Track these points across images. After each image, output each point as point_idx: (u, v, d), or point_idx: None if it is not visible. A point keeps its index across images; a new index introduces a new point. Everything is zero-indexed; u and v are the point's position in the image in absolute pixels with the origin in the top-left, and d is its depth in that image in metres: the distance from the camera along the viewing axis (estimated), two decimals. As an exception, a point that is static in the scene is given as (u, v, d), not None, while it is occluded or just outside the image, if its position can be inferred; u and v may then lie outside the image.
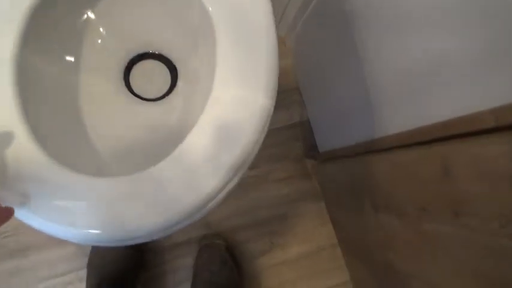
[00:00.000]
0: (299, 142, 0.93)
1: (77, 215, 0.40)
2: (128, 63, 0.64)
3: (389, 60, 0.53)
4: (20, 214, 0.41)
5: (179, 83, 0.65)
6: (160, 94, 0.65)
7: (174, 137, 0.58)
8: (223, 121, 0.43)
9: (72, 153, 0.48)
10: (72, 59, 0.57)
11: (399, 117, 0.52)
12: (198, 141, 0.42)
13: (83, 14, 0.56)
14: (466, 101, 0.38)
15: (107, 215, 0.40)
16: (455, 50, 0.38)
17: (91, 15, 0.57)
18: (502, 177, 0.33)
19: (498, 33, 0.33)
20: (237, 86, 0.44)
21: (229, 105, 0.43)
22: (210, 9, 0.46)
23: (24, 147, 0.42)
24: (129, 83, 0.64)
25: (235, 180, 0.44)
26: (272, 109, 0.47)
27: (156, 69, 0.65)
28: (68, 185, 0.41)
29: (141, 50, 0.64)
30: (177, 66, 0.65)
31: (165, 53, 0.65)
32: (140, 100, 0.64)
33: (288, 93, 0.96)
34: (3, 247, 0.77)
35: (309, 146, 0.92)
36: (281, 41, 0.99)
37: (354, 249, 0.78)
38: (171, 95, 0.65)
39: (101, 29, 0.59)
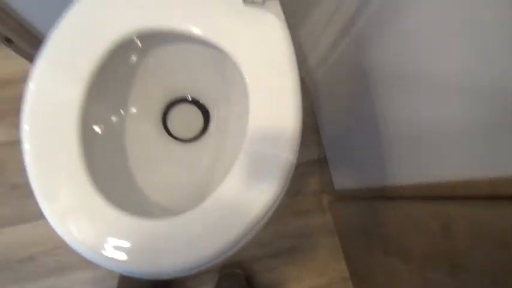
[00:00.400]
0: (316, 178, 0.99)
1: (119, 250, 0.47)
2: (167, 107, 0.72)
3: (400, 117, 0.59)
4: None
5: (211, 126, 0.72)
6: (194, 135, 0.72)
7: (207, 178, 0.66)
8: (253, 173, 0.49)
9: (120, 193, 0.56)
10: (124, 108, 0.65)
11: (408, 170, 0.58)
12: (230, 191, 0.49)
13: (137, 69, 0.64)
14: (467, 166, 0.44)
15: (145, 253, 0.47)
16: (455, 119, 0.44)
17: (143, 69, 0.65)
18: (494, 241, 0.39)
19: (493, 111, 0.39)
20: (266, 142, 0.50)
21: (259, 159, 0.50)
22: (243, 67, 0.53)
23: (81, 186, 0.49)
24: (166, 125, 0.72)
25: (261, 225, 0.50)
26: (295, 162, 0.54)
27: (190, 113, 0.73)
28: (115, 223, 0.48)
29: (179, 96, 0.72)
30: (209, 111, 0.73)
31: (200, 98, 0.73)
32: (176, 141, 0.71)
33: (306, 132, 1.03)
34: (43, 265, 0.85)
35: (325, 182, 0.98)
36: (301, 81, 1.06)
37: (364, 285, 0.83)
38: (203, 137, 0.72)
39: (150, 81, 0.67)
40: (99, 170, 0.53)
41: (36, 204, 0.93)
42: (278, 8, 0.57)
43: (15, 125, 0.92)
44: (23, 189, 0.92)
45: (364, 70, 0.68)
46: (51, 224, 0.49)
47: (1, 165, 0.93)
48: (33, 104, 0.52)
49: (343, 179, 0.90)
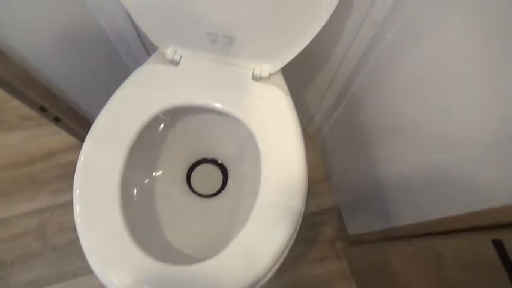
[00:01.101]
0: (329, 226, 1.05)
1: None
2: (190, 168, 0.83)
3: (393, 166, 0.67)
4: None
5: (229, 183, 0.82)
6: (215, 191, 0.82)
7: (226, 228, 0.74)
8: (266, 223, 0.58)
9: (153, 244, 0.64)
10: (155, 171, 0.76)
11: (406, 212, 0.65)
12: (246, 240, 0.57)
13: (165, 138, 0.76)
14: (451, 205, 0.52)
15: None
16: (440, 166, 0.53)
17: (170, 138, 0.76)
18: (474, 267, 0.45)
19: (466, 160, 0.47)
20: (277, 195, 0.59)
21: (271, 210, 0.58)
22: (255, 132, 0.63)
23: (121, 241, 0.58)
24: (190, 183, 0.82)
25: (274, 270, 0.58)
26: (303, 210, 0.62)
27: (211, 172, 0.83)
28: (150, 270, 0.56)
29: (201, 157, 0.83)
30: (228, 169, 0.83)
31: (219, 158, 0.83)
32: (199, 197, 0.81)
33: (317, 184, 1.11)
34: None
35: (338, 228, 1.04)
36: (311, 138, 1.17)
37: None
38: (223, 193, 0.81)
39: (177, 146, 0.78)
40: (135, 225, 0.62)
41: (76, 262, 1.02)
42: (282, 81, 0.69)
43: (57, 191, 1.05)
44: (63, 250, 1.01)
45: (361, 124, 0.78)
46: (96, 275, 0.57)
47: (42, 229, 1.03)
48: (82, 172, 0.63)
49: (356, 224, 0.96)
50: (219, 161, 0.84)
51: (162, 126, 0.73)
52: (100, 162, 0.63)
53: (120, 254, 0.58)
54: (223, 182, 0.83)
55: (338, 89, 0.84)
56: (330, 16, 0.53)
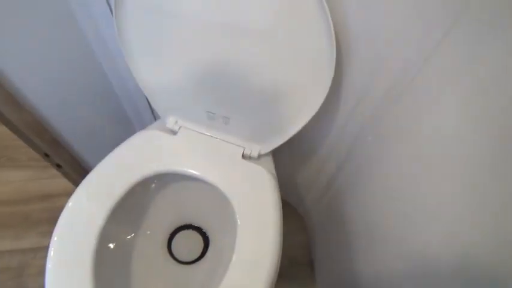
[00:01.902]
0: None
1: None
2: (172, 234, 0.84)
3: (371, 266, 0.68)
4: None
5: (208, 253, 0.83)
6: (193, 259, 0.82)
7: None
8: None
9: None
10: (136, 231, 0.78)
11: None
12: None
13: (155, 199, 0.79)
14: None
15: None
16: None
17: (160, 200, 0.80)
18: None
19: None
20: (246, 275, 0.60)
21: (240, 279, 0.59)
22: (236, 208, 0.66)
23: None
24: (170, 247, 0.83)
25: None
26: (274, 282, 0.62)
27: (192, 238, 0.84)
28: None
29: (185, 223, 0.85)
30: (209, 238, 0.84)
31: (203, 227, 0.85)
32: (176, 262, 0.81)
33: (301, 267, 1.10)
34: None
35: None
36: (301, 219, 1.18)
37: None
38: (200, 261, 0.82)
39: (163, 209, 0.81)
40: (105, 280, 0.63)
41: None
42: (270, 162, 0.73)
43: (46, 233, 1.07)
44: (36, 294, 1.01)
45: (345, 217, 0.80)
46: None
47: (23, 268, 1.04)
48: (66, 219, 0.65)
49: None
50: (202, 229, 0.85)
51: (151, 188, 0.77)
52: (85, 213, 0.65)
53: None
54: (203, 250, 0.83)
55: (327, 177, 0.87)
56: (318, 112, 0.58)
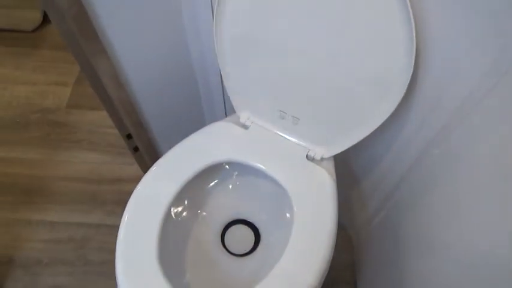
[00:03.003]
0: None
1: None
2: (226, 225, 0.89)
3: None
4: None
5: (258, 249, 0.86)
6: (243, 253, 0.86)
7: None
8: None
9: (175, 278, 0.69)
10: (196, 217, 0.84)
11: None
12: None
13: (217, 191, 0.85)
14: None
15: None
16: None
17: (221, 192, 0.85)
18: None
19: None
20: (296, 265, 0.63)
21: (286, 279, 0.62)
22: (295, 205, 0.69)
23: (151, 270, 0.63)
24: (223, 240, 0.87)
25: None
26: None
27: (245, 234, 0.88)
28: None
29: (241, 217, 0.89)
30: (261, 233, 0.87)
31: (256, 223, 0.89)
32: (227, 252, 0.85)
33: (344, 285, 1.09)
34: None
35: None
36: (349, 239, 1.17)
37: None
38: (251, 255, 0.85)
39: (223, 201, 0.87)
40: (167, 256, 0.68)
41: (99, 282, 1.08)
42: (332, 167, 0.76)
43: (110, 213, 1.16)
44: (93, 268, 1.09)
45: (396, 239, 0.80)
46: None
47: (84, 241, 1.13)
48: (136, 199, 0.71)
49: None
50: (255, 225, 0.89)
51: (217, 177, 0.83)
52: (155, 189, 0.72)
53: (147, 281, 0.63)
54: (254, 246, 0.87)
55: (382, 195, 0.88)
56: (387, 123, 0.61)
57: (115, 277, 0.92)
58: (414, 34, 0.50)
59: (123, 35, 0.69)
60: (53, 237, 1.13)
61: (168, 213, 0.70)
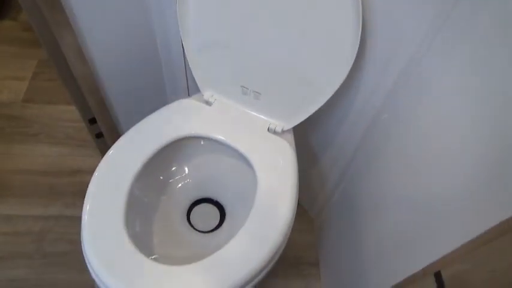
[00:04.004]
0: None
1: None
2: (192, 204, 0.91)
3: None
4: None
5: (224, 225, 0.88)
6: (209, 230, 0.88)
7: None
8: (245, 248, 0.64)
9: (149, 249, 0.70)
10: (162, 194, 0.85)
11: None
12: (225, 254, 0.63)
13: (182, 168, 0.87)
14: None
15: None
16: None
17: (182, 172, 0.87)
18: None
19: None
20: (261, 225, 0.66)
21: (253, 237, 0.65)
22: (257, 172, 0.73)
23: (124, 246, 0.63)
24: (189, 217, 0.89)
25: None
26: (283, 246, 0.68)
27: (211, 211, 0.90)
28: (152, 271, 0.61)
29: (206, 196, 0.91)
30: (226, 211, 0.90)
31: (221, 200, 0.91)
32: (195, 231, 0.87)
33: (307, 266, 1.13)
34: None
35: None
36: (311, 221, 1.22)
37: None
38: (217, 231, 0.87)
39: (188, 179, 0.88)
40: (134, 235, 0.68)
41: (58, 273, 1.04)
42: (291, 138, 0.81)
43: (69, 205, 1.14)
44: (53, 259, 1.06)
45: (355, 208, 0.85)
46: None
47: (43, 233, 1.09)
48: (99, 174, 0.71)
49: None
50: (220, 203, 0.91)
51: (181, 153, 0.85)
52: (115, 172, 0.72)
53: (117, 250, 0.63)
54: (219, 222, 0.89)
55: (340, 169, 0.93)
56: (340, 96, 0.67)
57: (75, 267, 0.90)
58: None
59: (87, 8, 0.70)
60: (10, 231, 1.09)
61: (131, 192, 0.70)
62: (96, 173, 0.71)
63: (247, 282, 0.62)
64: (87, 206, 0.67)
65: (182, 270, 0.61)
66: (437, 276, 0.45)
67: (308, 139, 0.98)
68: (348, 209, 0.92)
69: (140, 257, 0.61)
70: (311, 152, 1.00)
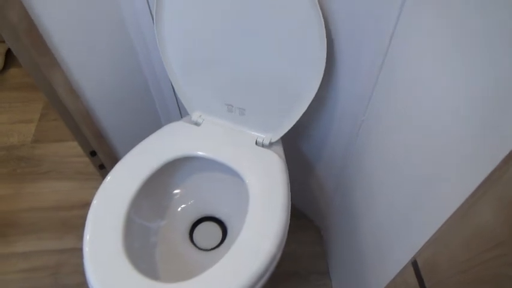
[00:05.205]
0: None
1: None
2: (195, 222, 0.93)
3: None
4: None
5: (226, 242, 0.90)
6: (211, 248, 0.89)
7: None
8: (238, 260, 0.65)
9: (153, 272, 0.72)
10: (163, 217, 0.88)
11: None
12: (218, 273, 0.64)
13: (176, 192, 0.90)
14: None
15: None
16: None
17: (180, 193, 0.90)
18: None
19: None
20: (255, 236, 0.68)
21: (247, 247, 0.66)
22: (248, 185, 0.75)
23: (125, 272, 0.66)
24: (192, 235, 0.91)
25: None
26: (278, 256, 0.69)
27: (213, 228, 0.92)
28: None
29: (206, 214, 0.93)
30: (227, 227, 0.91)
31: (221, 217, 0.93)
32: (197, 249, 0.89)
33: (319, 275, 1.13)
34: None
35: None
36: (317, 231, 1.22)
37: None
38: (219, 248, 0.89)
39: (186, 200, 0.91)
40: (135, 254, 0.70)
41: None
42: (280, 149, 0.83)
43: (81, 237, 1.17)
44: (68, 290, 1.09)
45: (354, 207, 0.86)
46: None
47: (58, 267, 1.13)
48: (98, 200, 0.75)
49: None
50: (221, 220, 0.93)
51: (175, 174, 0.87)
52: (113, 196, 0.75)
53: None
54: (221, 240, 0.91)
55: (335, 172, 0.94)
56: (317, 100, 0.69)
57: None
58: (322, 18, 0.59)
59: (70, 44, 0.75)
60: (27, 267, 1.13)
61: (129, 217, 0.73)
62: (94, 201, 0.75)
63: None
64: (87, 236, 0.71)
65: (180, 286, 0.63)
66: (415, 265, 0.45)
67: (300, 151, 0.99)
68: (348, 213, 0.92)
69: (142, 280, 0.64)
70: (305, 163, 1.02)
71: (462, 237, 0.36)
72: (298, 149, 0.98)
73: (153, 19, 0.78)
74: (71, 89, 0.77)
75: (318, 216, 1.19)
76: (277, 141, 0.83)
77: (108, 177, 0.78)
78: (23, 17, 0.64)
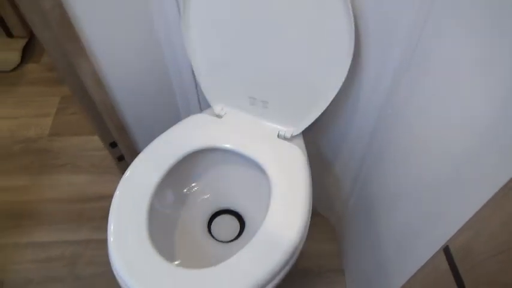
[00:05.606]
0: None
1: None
2: (213, 214, 0.93)
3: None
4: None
5: (244, 233, 0.90)
6: (228, 240, 0.90)
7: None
8: (262, 249, 0.66)
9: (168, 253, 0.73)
10: (183, 207, 0.88)
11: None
12: (242, 261, 0.65)
13: (196, 184, 0.91)
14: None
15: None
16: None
17: (200, 185, 0.91)
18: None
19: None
20: (278, 225, 0.68)
21: (271, 237, 0.67)
22: (271, 179, 0.75)
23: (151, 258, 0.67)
24: (210, 227, 0.91)
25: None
26: (299, 248, 0.69)
27: (230, 221, 0.93)
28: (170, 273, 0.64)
29: (225, 207, 0.94)
30: (245, 220, 0.92)
31: (240, 210, 0.93)
32: (214, 240, 0.89)
33: (333, 273, 1.13)
34: None
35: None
36: (331, 229, 1.22)
37: None
38: (237, 240, 0.89)
39: (206, 191, 0.92)
40: (158, 242, 0.71)
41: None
42: (301, 142, 0.83)
43: (98, 228, 1.18)
44: (85, 281, 1.10)
45: (372, 209, 0.86)
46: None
47: (74, 257, 1.14)
48: (121, 189, 0.76)
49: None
50: (239, 214, 0.94)
51: (196, 166, 0.88)
52: (136, 186, 0.76)
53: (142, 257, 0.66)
54: (239, 233, 0.91)
55: (353, 173, 0.95)
56: (343, 98, 0.70)
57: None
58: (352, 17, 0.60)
59: (100, 35, 0.76)
60: (43, 257, 1.14)
61: (152, 206, 0.74)
62: (116, 192, 0.76)
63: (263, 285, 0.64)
64: (111, 226, 0.71)
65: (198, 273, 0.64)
66: (446, 251, 0.46)
67: (319, 148, 1.00)
68: (365, 211, 0.93)
69: (167, 265, 0.64)
70: (323, 160, 1.02)
71: (501, 217, 0.36)
72: (317, 144, 0.99)
73: (179, 13, 0.79)
74: (97, 79, 0.79)
75: (332, 214, 1.19)
76: (298, 135, 0.84)
77: (129, 169, 0.78)
78: (56, 4, 0.65)
